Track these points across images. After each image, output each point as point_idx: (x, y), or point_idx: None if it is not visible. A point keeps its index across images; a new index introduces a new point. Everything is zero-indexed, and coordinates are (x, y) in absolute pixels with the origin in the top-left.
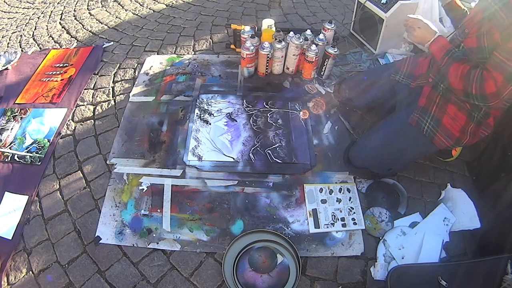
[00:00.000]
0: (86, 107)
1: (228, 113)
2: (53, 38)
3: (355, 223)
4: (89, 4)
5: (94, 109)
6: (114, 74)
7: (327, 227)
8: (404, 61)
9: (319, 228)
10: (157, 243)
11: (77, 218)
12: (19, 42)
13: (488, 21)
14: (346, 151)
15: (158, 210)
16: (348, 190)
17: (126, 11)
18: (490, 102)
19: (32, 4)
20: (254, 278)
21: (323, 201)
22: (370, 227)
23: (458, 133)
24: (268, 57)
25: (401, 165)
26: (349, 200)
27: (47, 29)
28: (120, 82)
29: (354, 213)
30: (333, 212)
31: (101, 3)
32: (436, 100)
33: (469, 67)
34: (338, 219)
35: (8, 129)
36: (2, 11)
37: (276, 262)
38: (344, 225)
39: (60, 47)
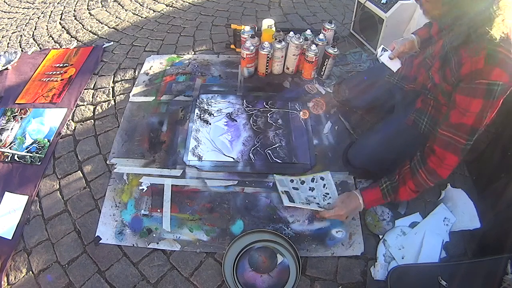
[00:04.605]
0: (86, 107)
1: (228, 113)
2: (53, 38)
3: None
4: (89, 4)
5: (94, 109)
6: (114, 74)
7: (302, 204)
8: None
9: (293, 202)
10: (157, 243)
11: (77, 218)
12: (19, 42)
13: (443, 64)
14: (345, 152)
15: (158, 210)
16: (322, 179)
17: (126, 11)
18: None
19: (32, 4)
20: (254, 278)
21: (295, 189)
22: (371, 223)
23: None
24: (268, 57)
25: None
26: (323, 186)
27: (47, 29)
28: (120, 82)
29: (330, 197)
30: (307, 197)
31: (101, 3)
32: (430, 103)
33: (412, 179)
34: (313, 203)
35: (8, 129)
36: (2, 11)
37: (276, 262)
38: (319, 206)
39: (60, 47)
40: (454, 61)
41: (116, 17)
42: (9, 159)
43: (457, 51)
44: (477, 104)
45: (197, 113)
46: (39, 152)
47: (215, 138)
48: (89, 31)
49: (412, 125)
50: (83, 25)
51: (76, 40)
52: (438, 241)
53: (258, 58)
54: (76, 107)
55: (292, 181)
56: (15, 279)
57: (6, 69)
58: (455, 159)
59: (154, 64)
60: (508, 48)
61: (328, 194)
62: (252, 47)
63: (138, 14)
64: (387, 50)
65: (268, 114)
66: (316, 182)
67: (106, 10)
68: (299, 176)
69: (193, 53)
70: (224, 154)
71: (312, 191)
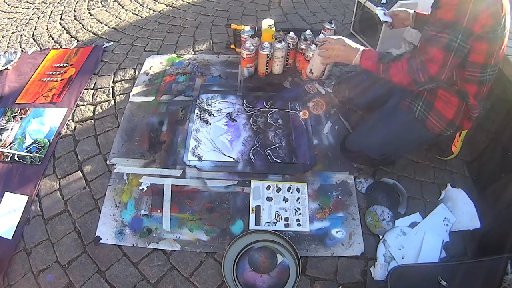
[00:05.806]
0: (86, 107)
1: (228, 113)
2: (53, 38)
3: (299, 225)
4: (89, 4)
5: (94, 109)
6: (114, 74)
7: (269, 225)
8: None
9: (260, 225)
10: (157, 243)
11: (77, 218)
12: (19, 42)
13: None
14: (343, 141)
15: (158, 210)
16: (298, 190)
17: (126, 11)
18: (439, 80)
19: (32, 4)
20: (254, 278)
21: (269, 199)
22: (371, 223)
23: (452, 116)
24: (268, 57)
25: (397, 151)
26: (297, 200)
27: (47, 29)
28: (120, 82)
29: (300, 214)
30: (277, 211)
31: (101, 3)
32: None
33: (406, 60)
34: (282, 219)
35: (8, 129)
36: (2, 11)
37: (276, 262)
38: (287, 225)
39: (60, 47)
40: None
41: (116, 17)
42: (9, 159)
43: None
44: None
45: (197, 113)
46: (39, 152)
47: (215, 138)
48: (89, 31)
49: (407, 110)
50: (83, 25)
51: (76, 40)
52: (438, 241)
53: (258, 58)
54: (76, 107)
55: (268, 187)
56: (15, 279)
57: (6, 69)
58: (440, 53)
59: (154, 64)
60: None
61: (299, 209)
62: (252, 47)
63: (138, 14)
64: (385, 10)
65: (268, 114)
66: (291, 192)
67: (106, 10)
68: (277, 182)
69: (193, 53)
70: (224, 154)
71: (285, 202)
